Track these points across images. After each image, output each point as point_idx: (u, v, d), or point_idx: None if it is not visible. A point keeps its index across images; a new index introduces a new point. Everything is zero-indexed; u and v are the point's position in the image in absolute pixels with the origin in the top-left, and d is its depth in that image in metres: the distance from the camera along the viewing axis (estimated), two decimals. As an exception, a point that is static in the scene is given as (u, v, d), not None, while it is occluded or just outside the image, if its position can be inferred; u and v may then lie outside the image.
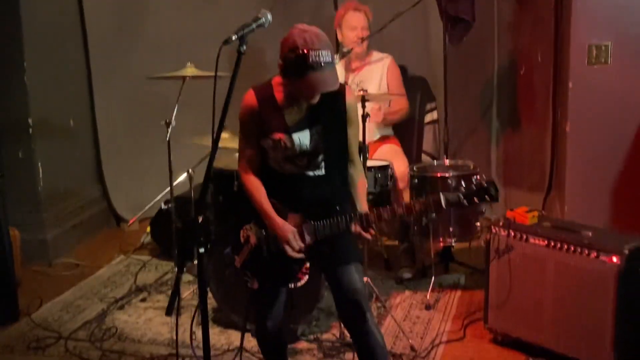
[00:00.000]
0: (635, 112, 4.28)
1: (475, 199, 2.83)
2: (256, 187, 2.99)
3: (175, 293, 2.37)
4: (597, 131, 4.36)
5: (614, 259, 3.30)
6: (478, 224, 4.39)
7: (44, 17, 5.28)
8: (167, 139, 4.35)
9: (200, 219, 2.47)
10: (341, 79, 4.43)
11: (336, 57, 4.68)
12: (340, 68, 4.79)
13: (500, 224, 3.76)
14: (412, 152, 5.07)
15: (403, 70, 5.04)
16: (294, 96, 2.88)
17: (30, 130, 5.18)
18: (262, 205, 2.96)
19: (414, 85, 5.07)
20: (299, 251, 2.95)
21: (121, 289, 4.80)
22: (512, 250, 3.70)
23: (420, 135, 5.22)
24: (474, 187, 2.85)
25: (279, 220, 2.94)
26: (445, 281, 4.67)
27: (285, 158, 2.96)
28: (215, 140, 2.55)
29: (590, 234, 3.48)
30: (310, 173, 2.98)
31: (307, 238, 2.95)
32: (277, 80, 2.93)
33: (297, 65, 2.71)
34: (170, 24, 5.95)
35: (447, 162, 4.64)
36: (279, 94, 2.93)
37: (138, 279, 4.90)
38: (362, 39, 4.74)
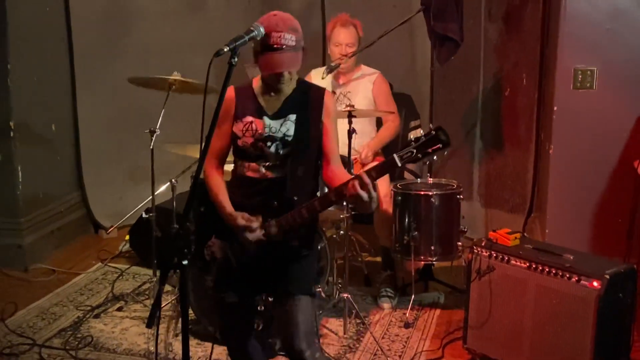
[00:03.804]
0: (619, 138, 4.31)
1: (429, 150, 2.80)
2: (216, 183, 2.99)
3: (157, 305, 2.33)
4: (580, 155, 4.39)
5: (595, 284, 3.31)
6: (460, 243, 4.40)
7: (30, 21, 5.25)
8: (151, 147, 4.32)
9: (181, 231, 2.44)
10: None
11: (324, 70, 4.66)
12: (329, 80, 4.74)
13: (482, 244, 3.76)
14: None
15: (389, 86, 5.02)
16: (268, 83, 2.94)
17: (12, 133, 5.13)
18: (217, 198, 2.96)
19: (398, 102, 5.05)
20: (258, 230, 2.86)
21: (98, 297, 4.75)
22: (493, 271, 3.70)
23: (404, 153, 5.19)
24: (424, 138, 2.83)
25: (229, 209, 2.92)
26: (425, 299, 4.66)
27: (254, 142, 2.91)
28: (203, 152, 2.52)
29: (571, 257, 3.49)
30: (274, 175, 2.93)
31: (274, 229, 2.87)
32: (257, 78, 3.00)
33: (261, 45, 2.78)
34: (156, 32, 5.93)
35: (430, 180, 4.63)
36: (255, 84, 3.00)
37: (115, 288, 4.85)
38: (346, 57, 4.63)
